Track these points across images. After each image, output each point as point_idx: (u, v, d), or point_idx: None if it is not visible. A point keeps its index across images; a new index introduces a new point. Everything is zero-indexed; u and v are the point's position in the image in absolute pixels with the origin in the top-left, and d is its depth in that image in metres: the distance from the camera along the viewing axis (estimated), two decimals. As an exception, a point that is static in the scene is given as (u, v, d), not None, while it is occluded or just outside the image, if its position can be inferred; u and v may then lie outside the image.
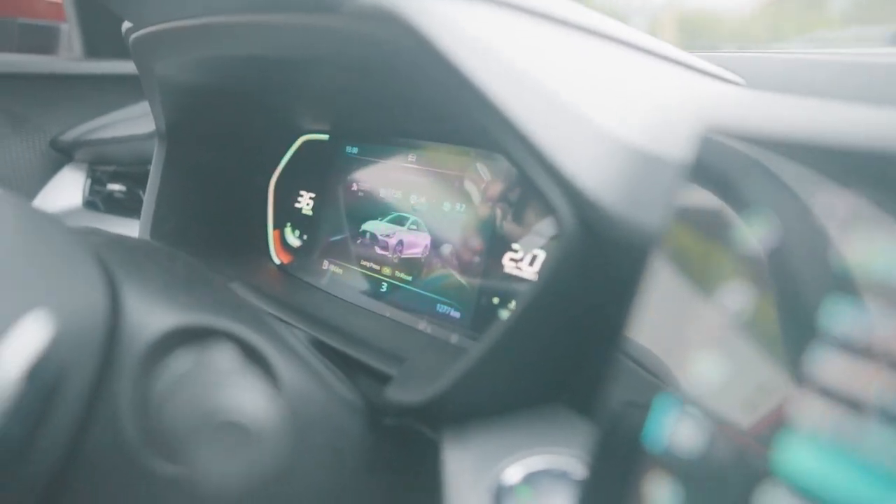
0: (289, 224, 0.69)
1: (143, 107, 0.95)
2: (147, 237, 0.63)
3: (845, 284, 0.20)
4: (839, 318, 0.19)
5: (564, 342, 0.35)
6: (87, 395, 0.28)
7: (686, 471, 0.22)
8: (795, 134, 0.23)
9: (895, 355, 0.18)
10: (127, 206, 0.92)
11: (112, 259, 0.33)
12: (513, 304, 0.47)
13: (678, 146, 0.30)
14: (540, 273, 0.34)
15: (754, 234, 0.22)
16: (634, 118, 0.32)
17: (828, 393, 0.19)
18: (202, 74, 0.57)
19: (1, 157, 0.98)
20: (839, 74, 0.46)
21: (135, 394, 0.29)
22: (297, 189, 0.69)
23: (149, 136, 0.84)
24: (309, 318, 0.55)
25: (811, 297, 0.20)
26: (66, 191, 1.00)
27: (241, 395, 0.22)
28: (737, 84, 0.43)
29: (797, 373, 0.20)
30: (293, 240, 0.68)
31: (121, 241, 0.39)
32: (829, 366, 0.19)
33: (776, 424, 0.20)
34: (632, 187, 0.30)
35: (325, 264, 0.64)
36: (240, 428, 0.22)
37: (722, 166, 0.24)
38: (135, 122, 0.90)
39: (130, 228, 0.83)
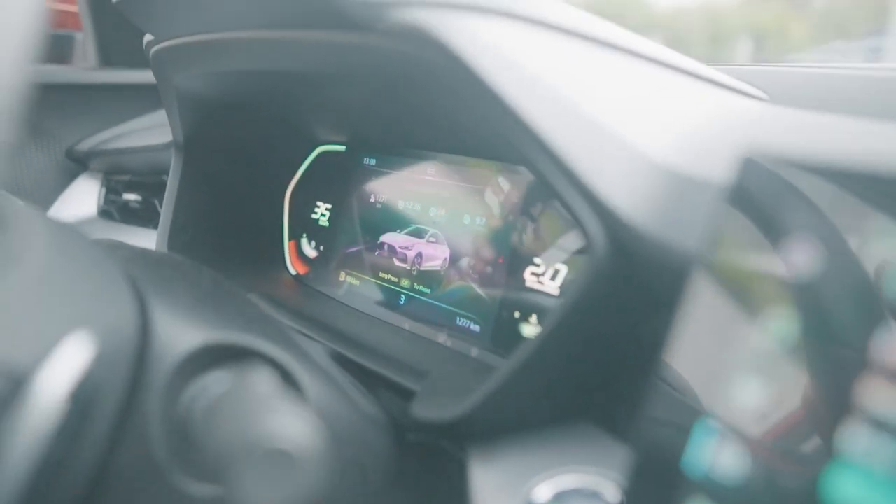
0: (305, 235, 0.69)
1: (158, 117, 0.96)
2: (164, 248, 0.63)
3: (891, 311, 0.19)
4: (885, 345, 0.19)
5: (594, 360, 0.35)
6: (117, 414, 0.28)
7: (728, 497, 0.22)
8: (836, 158, 0.22)
9: (948, 385, 0.18)
10: (142, 216, 0.92)
11: (140, 275, 0.33)
12: (534, 319, 0.47)
13: (712, 166, 0.30)
14: (569, 291, 0.34)
15: (796, 259, 0.22)
16: (666, 136, 0.32)
17: (875, 422, 0.19)
18: (221, 87, 0.57)
19: (17, 167, 0.98)
20: (860, 89, 0.46)
21: (165, 412, 0.29)
22: (313, 200, 0.69)
23: (164, 147, 0.85)
24: (326, 329, 0.55)
25: (855, 323, 0.20)
26: (81, 200, 1.00)
27: (284, 420, 0.22)
28: (761, 100, 0.43)
29: (843, 400, 0.20)
30: (309, 251, 0.68)
31: (147, 256, 0.39)
32: (876, 393, 0.19)
33: (823, 452, 0.20)
34: (664, 207, 0.30)
35: (342, 275, 0.64)
36: (285, 456, 0.22)
37: (763, 190, 0.24)
38: (150, 132, 0.90)
39: (146, 238, 0.83)
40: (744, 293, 0.23)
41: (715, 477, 0.22)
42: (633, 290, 0.31)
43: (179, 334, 0.30)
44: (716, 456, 0.22)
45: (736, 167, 0.24)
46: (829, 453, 0.19)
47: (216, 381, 0.28)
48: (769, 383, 0.22)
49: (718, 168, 0.29)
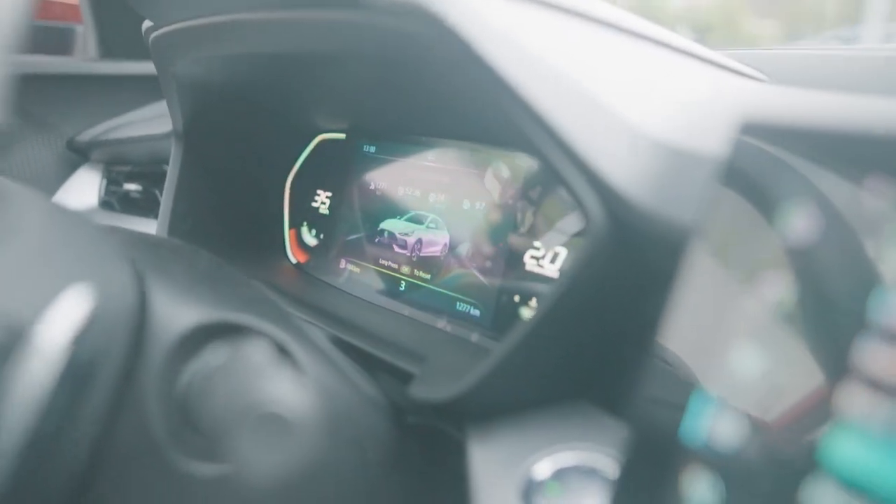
0: (305, 223, 0.69)
1: (158, 107, 0.96)
2: (165, 236, 0.63)
3: (886, 274, 0.19)
4: (881, 308, 0.19)
5: (590, 339, 0.35)
6: (115, 392, 0.28)
7: (727, 466, 0.21)
8: (831, 124, 0.22)
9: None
10: (143, 206, 0.92)
11: (138, 255, 0.33)
12: (534, 303, 0.47)
13: (710, 142, 0.30)
14: (565, 270, 0.34)
15: (791, 228, 0.22)
16: (664, 114, 0.32)
17: (873, 383, 0.19)
18: (220, 73, 0.57)
19: (19, 158, 0.98)
20: (860, 68, 0.45)
21: (163, 391, 0.29)
22: (313, 188, 0.69)
23: (164, 137, 0.85)
24: (327, 316, 0.55)
25: (852, 289, 0.20)
26: (82, 190, 1.00)
27: (278, 387, 0.22)
28: (761, 80, 0.43)
29: (840, 365, 0.20)
30: (310, 239, 0.68)
31: (145, 238, 0.39)
32: (873, 356, 0.19)
33: (820, 417, 0.20)
34: (663, 183, 0.29)
35: (343, 263, 0.64)
36: (280, 419, 0.22)
37: (758, 161, 0.23)
38: (150, 122, 0.90)
39: (146, 228, 0.83)
40: (737, 263, 0.23)
41: (714, 446, 0.22)
42: (631, 268, 0.31)
43: (177, 313, 0.30)
44: (713, 425, 0.22)
45: (730, 139, 0.24)
46: (825, 417, 0.19)
47: (213, 354, 0.28)
48: (766, 352, 0.22)
49: (716, 144, 0.29)
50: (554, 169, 0.31)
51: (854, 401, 0.19)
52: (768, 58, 0.48)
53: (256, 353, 0.26)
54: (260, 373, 0.23)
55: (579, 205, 0.31)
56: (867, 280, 0.20)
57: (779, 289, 0.22)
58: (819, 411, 0.20)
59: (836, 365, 0.19)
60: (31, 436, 0.24)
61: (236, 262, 0.65)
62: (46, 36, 1.11)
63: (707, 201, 0.25)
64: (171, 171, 0.63)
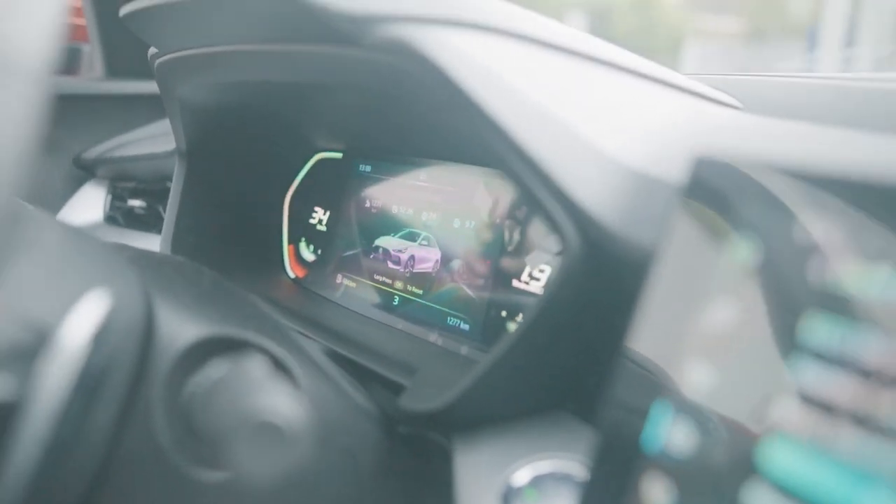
0: (303, 239, 0.71)
1: (162, 126, 0.98)
2: (168, 251, 0.65)
3: (824, 302, 0.22)
4: (817, 332, 0.21)
5: (569, 353, 0.37)
6: (122, 402, 0.30)
7: (680, 470, 0.24)
8: (783, 160, 0.25)
9: (868, 367, 0.20)
10: (146, 222, 0.94)
11: (144, 273, 0.35)
12: (520, 317, 0.49)
13: (675, 169, 0.32)
14: (545, 287, 0.36)
15: (744, 252, 0.24)
16: (635, 142, 0.35)
17: (807, 400, 0.21)
18: (222, 97, 0.59)
19: (26, 174, 1.01)
20: (834, 99, 0.48)
21: (168, 402, 0.31)
22: (311, 205, 0.71)
23: (168, 155, 0.87)
24: (323, 329, 0.58)
25: (792, 312, 0.22)
26: (88, 206, 1.03)
27: (274, 399, 0.24)
28: (734, 107, 0.45)
29: (780, 381, 0.22)
30: (308, 254, 0.71)
31: (150, 256, 0.41)
32: (807, 375, 0.21)
33: (761, 428, 0.22)
34: (631, 207, 0.32)
35: (339, 278, 0.66)
36: (275, 428, 0.24)
37: (713, 189, 0.26)
38: (154, 140, 0.93)
39: (150, 243, 0.86)
40: (695, 282, 0.25)
41: (670, 452, 0.24)
42: (604, 285, 0.33)
43: (181, 328, 0.33)
44: (670, 433, 0.24)
45: (689, 168, 0.26)
46: (767, 429, 0.21)
47: (214, 368, 0.30)
48: (715, 366, 0.24)
49: (679, 171, 0.31)
50: (531, 195, 0.33)
51: (788, 415, 0.21)
52: (747, 84, 0.51)
53: (254, 368, 0.28)
54: (257, 385, 0.26)
55: (555, 228, 0.33)
56: (799, 305, 0.22)
57: (726, 308, 0.24)
58: (761, 423, 0.22)
59: (777, 381, 0.22)
60: (53, 435, 0.26)
61: (237, 276, 0.67)
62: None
63: (668, 225, 0.27)
64: (175, 189, 0.66)
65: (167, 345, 0.32)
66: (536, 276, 0.47)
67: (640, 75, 0.40)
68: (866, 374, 0.20)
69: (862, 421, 0.20)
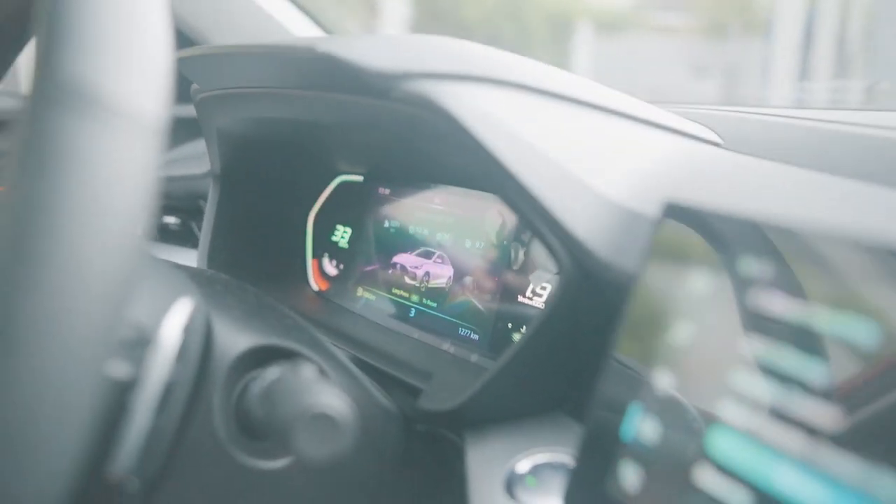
0: (326, 255, 0.77)
1: (194, 147, 1.05)
2: (204, 265, 0.71)
3: (761, 327, 0.27)
4: (755, 350, 0.27)
5: (565, 361, 0.43)
6: (187, 403, 0.36)
7: (649, 456, 0.29)
8: (741, 206, 0.30)
9: (791, 377, 0.26)
10: (180, 237, 1.01)
11: (200, 290, 0.41)
12: (524, 329, 0.55)
13: (655, 203, 0.38)
14: (546, 304, 0.42)
15: (702, 282, 0.30)
16: (621, 179, 0.40)
17: (746, 401, 0.27)
18: (255, 129, 0.66)
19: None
20: (812, 141, 0.52)
21: (224, 401, 0.37)
22: (334, 223, 0.77)
23: (202, 176, 0.94)
24: (346, 338, 0.64)
25: (736, 333, 0.28)
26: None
27: (326, 395, 0.30)
28: (715, 144, 0.50)
29: (726, 385, 0.28)
30: (330, 269, 0.77)
31: (202, 274, 0.47)
32: (746, 382, 0.27)
33: (710, 422, 0.27)
34: (616, 237, 0.37)
35: (360, 291, 0.72)
36: (329, 418, 0.30)
37: (679, 228, 0.31)
38: (186, 162, 0.99)
39: (184, 257, 0.92)
40: (664, 303, 0.31)
41: (640, 441, 0.30)
42: (595, 302, 0.39)
43: (234, 338, 0.39)
44: (641, 426, 0.30)
45: (660, 208, 0.32)
46: (715, 422, 0.27)
47: (271, 372, 0.36)
48: (673, 372, 0.30)
49: (658, 206, 0.37)
50: (531, 225, 0.39)
51: (731, 413, 0.27)
52: (731, 120, 0.56)
53: (306, 371, 0.34)
54: (311, 385, 0.32)
55: (552, 254, 0.39)
56: (742, 328, 0.27)
57: (686, 325, 0.30)
58: (708, 418, 0.28)
59: (721, 385, 0.27)
60: (157, 408, 0.33)
61: (266, 289, 0.73)
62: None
63: (644, 255, 0.33)
64: (209, 209, 0.72)
65: (224, 352, 0.38)
66: (539, 293, 0.53)
67: (628, 117, 0.46)
68: (790, 383, 0.25)
69: (785, 418, 0.25)
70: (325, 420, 0.30)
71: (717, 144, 0.51)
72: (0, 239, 0.21)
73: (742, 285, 0.28)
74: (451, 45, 0.44)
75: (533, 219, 0.39)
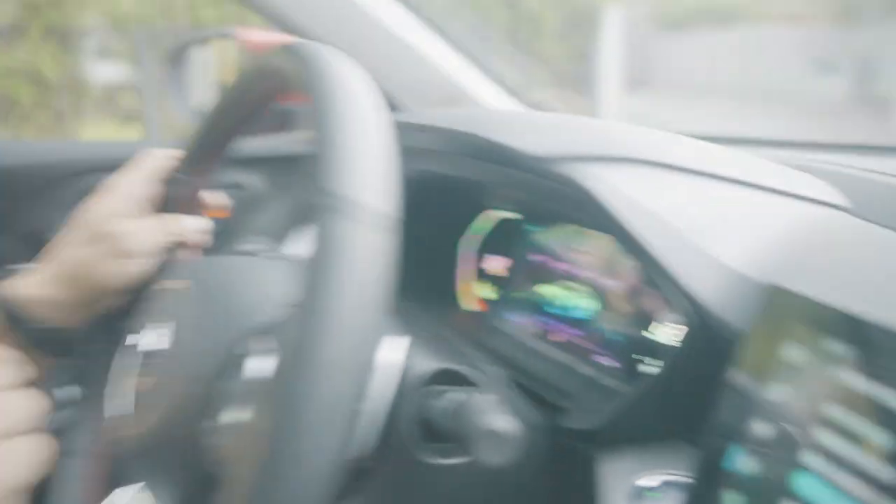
0: (478, 280, 0.89)
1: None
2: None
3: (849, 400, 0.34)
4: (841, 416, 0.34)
5: (685, 394, 0.50)
6: (386, 415, 0.49)
7: (746, 484, 0.37)
8: (843, 306, 0.37)
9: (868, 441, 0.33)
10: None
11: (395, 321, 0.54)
12: (647, 360, 0.62)
13: (770, 268, 0.45)
14: (681, 343, 0.50)
15: (795, 352, 0.37)
16: (742, 248, 0.48)
17: (827, 452, 0.34)
18: (419, 175, 0.78)
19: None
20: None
21: (412, 413, 0.49)
22: (483, 252, 0.88)
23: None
24: (497, 357, 0.74)
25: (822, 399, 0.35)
26: (300, 245, 1.30)
27: (500, 415, 0.42)
28: (840, 209, 0.54)
29: (810, 437, 0.35)
30: (483, 293, 0.88)
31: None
32: (828, 436, 0.34)
33: (793, 460, 0.35)
34: (730, 299, 0.45)
35: (509, 316, 0.83)
36: (502, 434, 0.41)
37: (780, 307, 0.39)
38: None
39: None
40: (764, 361, 0.39)
41: (740, 471, 0.38)
42: (715, 346, 0.47)
43: (420, 363, 0.51)
44: (741, 458, 0.38)
45: (762, 290, 0.40)
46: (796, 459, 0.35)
47: (458, 394, 0.48)
48: (770, 418, 0.37)
49: (781, 275, 0.44)
50: (657, 283, 0.47)
51: (815, 461, 0.34)
52: (863, 182, 0.59)
53: (487, 396, 0.46)
54: (490, 407, 0.43)
55: (677, 311, 0.47)
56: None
57: (778, 384, 0.37)
58: (791, 459, 0.35)
59: (796, 435, 0.35)
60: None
61: (424, 309, 0.86)
62: (278, 117, 1.42)
63: (752, 319, 0.41)
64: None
65: (413, 375, 0.50)
66: (666, 331, 0.61)
67: (753, 186, 0.53)
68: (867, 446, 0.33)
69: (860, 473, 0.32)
70: (498, 435, 0.41)
71: (842, 209, 0.55)
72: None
73: (828, 362, 0.35)
74: (595, 126, 0.53)
75: (657, 278, 0.48)
